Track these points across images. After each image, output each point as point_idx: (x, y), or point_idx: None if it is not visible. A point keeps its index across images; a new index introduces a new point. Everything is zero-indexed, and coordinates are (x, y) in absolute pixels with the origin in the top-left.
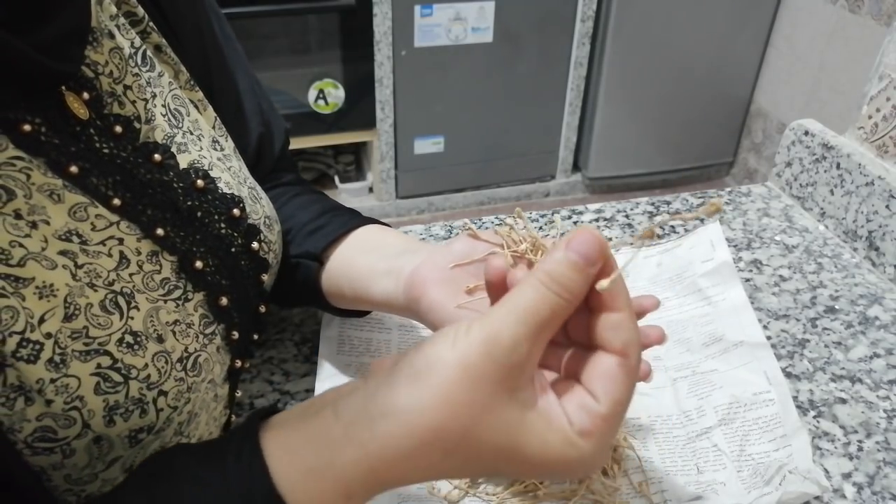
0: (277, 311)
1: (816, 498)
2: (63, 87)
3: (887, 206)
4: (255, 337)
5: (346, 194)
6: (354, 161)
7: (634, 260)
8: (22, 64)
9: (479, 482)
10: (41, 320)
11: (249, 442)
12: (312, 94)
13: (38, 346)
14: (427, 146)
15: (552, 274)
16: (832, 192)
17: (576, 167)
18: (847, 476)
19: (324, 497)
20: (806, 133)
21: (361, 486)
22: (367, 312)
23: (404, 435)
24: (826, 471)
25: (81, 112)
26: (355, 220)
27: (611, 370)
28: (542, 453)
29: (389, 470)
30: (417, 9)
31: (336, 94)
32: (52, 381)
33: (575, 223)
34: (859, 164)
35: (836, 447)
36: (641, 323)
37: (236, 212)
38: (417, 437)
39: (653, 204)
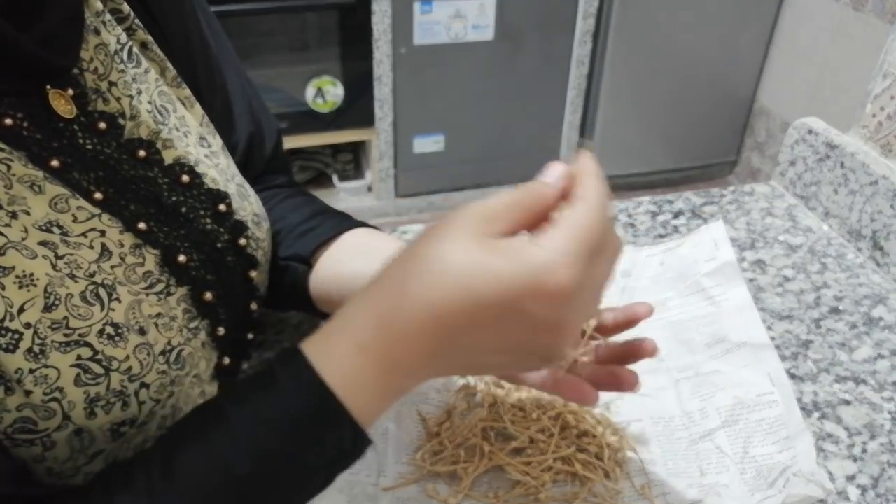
0: (275, 312)
1: (820, 501)
2: (49, 87)
3: (891, 206)
4: (251, 336)
5: (345, 193)
6: (353, 160)
7: (636, 259)
8: (22, 58)
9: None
10: (20, 310)
11: (288, 348)
12: (311, 91)
13: (17, 336)
14: (427, 145)
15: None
16: (836, 192)
17: None
18: (851, 478)
19: (338, 348)
20: (809, 132)
21: (370, 334)
22: None
23: (393, 268)
24: (830, 473)
25: (67, 109)
26: (345, 223)
27: (567, 212)
28: (507, 261)
29: (388, 308)
30: (417, 6)
31: (335, 92)
32: (31, 371)
33: None
34: (863, 163)
35: (840, 449)
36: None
37: (222, 207)
38: (401, 266)
39: (655, 203)
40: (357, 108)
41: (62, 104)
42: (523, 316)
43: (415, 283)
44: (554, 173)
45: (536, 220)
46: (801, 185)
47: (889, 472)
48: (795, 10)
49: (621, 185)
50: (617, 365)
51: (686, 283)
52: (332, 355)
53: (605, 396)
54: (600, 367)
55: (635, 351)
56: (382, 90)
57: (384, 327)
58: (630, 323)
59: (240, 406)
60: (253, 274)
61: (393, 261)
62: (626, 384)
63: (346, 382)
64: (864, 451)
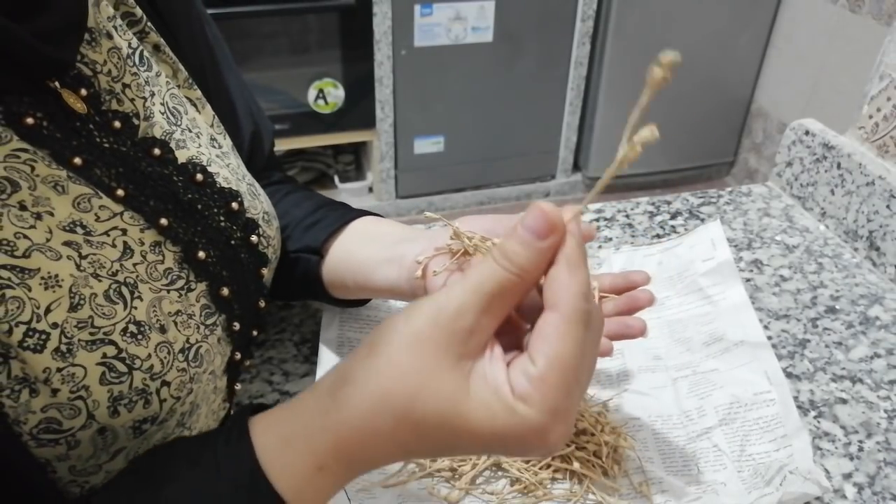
0: (277, 311)
1: (817, 498)
2: (59, 84)
3: (888, 206)
4: (255, 334)
5: (346, 194)
6: (354, 161)
7: (634, 258)
8: (19, 51)
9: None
10: (47, 310)
11: (239, 422)
12: (312, 93)
13: (44, 336)
14: (427, 146)
15: (502, 249)
16: (833, 192)
17: (576, 167)
18: (847, 476)
19: (296, 468)
20: (806, 133)
21: (331, 456)
22: (366, 301)
23: (359, 399)
24: (826, 471)
25: (79, 106)
26: (351, 212)
27: (543, 328)
28: (489, 422)
29: (352, 437)
30: (417, 8)
31: (336, 94)
32: (59, 370)
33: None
34: (860, 164)
35: (836, 447)
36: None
37: (234, 205)
38: (369, 401)
39: (653, 204)
40: (358, 110)
41: (73, 101)
42: (508, 455)
43: (383, 414)
44: (528, 244)
45: (506, 314)
46: (798, 185)
47: (885, 471)
48: (793, 12)
49: (619, 186)
50: (622, 315)
51: (684, 283)
52: (289, 470)
53: (604, 395)
54: (608, 319)
55: (635, 302)
56: (383, 92)
57: (345, 454)
58: (627, 288)
59: (175, 487)
60: (264, 271)
61: (354, 365)
62: (635, 331)
63: (302, 498)
64: (860, 449)
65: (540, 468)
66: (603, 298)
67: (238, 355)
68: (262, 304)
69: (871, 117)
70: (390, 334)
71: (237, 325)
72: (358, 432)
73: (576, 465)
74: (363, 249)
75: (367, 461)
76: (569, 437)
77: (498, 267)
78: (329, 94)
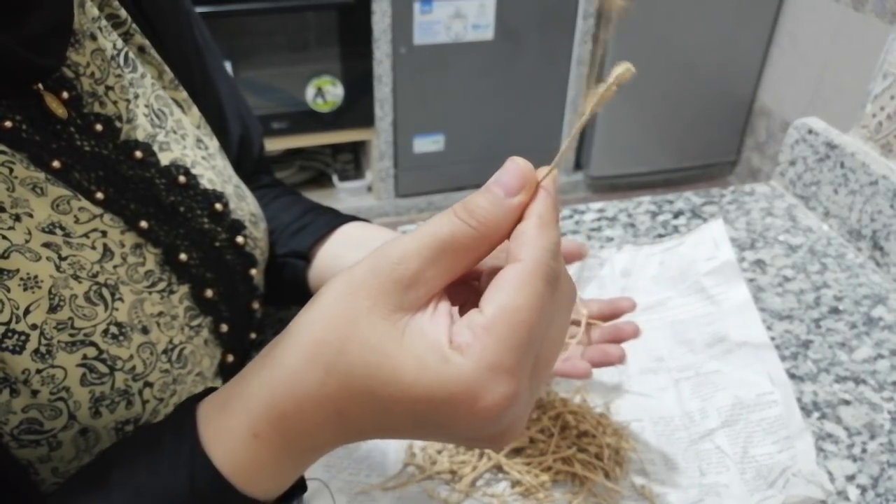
0: (276, 312)
1: (820, 501)
2: (41, 87)
3: (891, 206)
4: (253, 336)
5: (345, 193)
6: (353, 159)
7: (636, 258)
8: (2, 58)
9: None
10: (26, 311)
11: (188, 400)
12: (311, 91)
13: (23, 337)
14: (427, 144)
15: (465, 202)
16: (836, 192)
17: (578, 166)
18: (851, 478)
19: (232, 433)
20: (809, 131)
21: (266, 419)
22: None
23: (292, 351)
24: (830, 473)
25: (60, 111)
26: (338, 218)
27: (500, 279)
28: (418, 374)
29: (284, 395)
30: (417, 5)
31: (335, 92)
32: (38, 371)
33: (577, 223)
34: (863, 163)
35: (839, 449)
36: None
37: (218, 206)
38: (301, 352)
39: (655, 203)
40: (357, 108)
41: (55, 106)
42: (445, 429)
43: (314, 368)
44: (496, 201)
45: (460, 272)
46: (801, 185)
47: (889, 472)
48: (795, 10)
49: (621, 185)
50: (605, 343)
51: (686, 283)
52: (225, 435)
53: (605, 397)
54: (590, 346)
55: (619, 333)
56: (382, 90)
57: (279, 418)
58: (614, 315)
59: (122, 483)
60: (253, 272)
61: (297, 317)
62: (614, 358)
63: (241, 469)
64: (863, 451)
65: (542, 470)
66: (590, 325)
67: (231, 357)
68: (256, 305)
69: (874, 116)
70: (331, 283)
71: (225, 327)
72: (290, 389)
73: (577, 468)
74: (350, 255)
75: (303, 432)
76: (516, 417)
77: (455, 218)
78: (328, 92)
